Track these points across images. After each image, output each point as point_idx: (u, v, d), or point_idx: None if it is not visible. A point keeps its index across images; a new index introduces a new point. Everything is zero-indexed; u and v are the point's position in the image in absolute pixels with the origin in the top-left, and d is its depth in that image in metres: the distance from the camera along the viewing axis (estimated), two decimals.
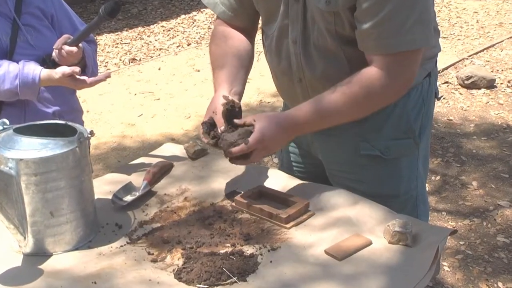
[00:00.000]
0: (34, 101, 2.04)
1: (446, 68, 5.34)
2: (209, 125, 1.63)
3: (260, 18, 1.80)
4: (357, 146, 1.73)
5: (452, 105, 4.69)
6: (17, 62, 1.97)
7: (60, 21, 2.12)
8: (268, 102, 4.88)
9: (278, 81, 1.84)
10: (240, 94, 1.71)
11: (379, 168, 1.75)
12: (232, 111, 1.61)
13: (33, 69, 1.93)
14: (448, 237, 1.49)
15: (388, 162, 1.74)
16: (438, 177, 3.66)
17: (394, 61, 1.52)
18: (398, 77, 1.55)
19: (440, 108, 4.57)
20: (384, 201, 1.62)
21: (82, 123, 2.26)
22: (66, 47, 1.94)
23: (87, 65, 2.06)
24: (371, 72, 1.53)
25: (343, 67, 1.63)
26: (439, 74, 4.79)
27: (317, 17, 1.59)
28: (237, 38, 1.79)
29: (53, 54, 1.99)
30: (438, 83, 1.87)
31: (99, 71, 2.23)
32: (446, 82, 5.07)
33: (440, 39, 1.78)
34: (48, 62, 2.00)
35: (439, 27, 1.74)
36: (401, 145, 1.74)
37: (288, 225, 1.54)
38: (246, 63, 1.77)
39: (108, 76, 1.95)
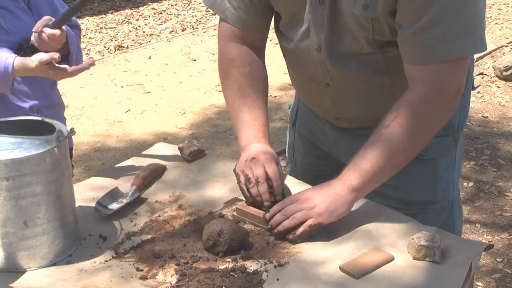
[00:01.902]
0: (7, 94, 2.04)
1: (481, 58, 5.32)
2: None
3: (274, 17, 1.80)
4: None
5: (488, 100, 4.69)
6: None
7: (38, 2, 2.12)
8: (275, 97, 4.89)
9: (300, 82, 1.86)
10: None
11: (414, 170, 1.74)
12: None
13: (5, 57, 1.93)
14: (483, 253, 1.49)
15: (425, 162, 1.75)
16: (471, 184, 3.66)
17: (439, 72, 1.52)
18: (446, 90, 1.55)
19: (473, 104, 4.55)
20: (420, 209, 1.62)
21: (63, 119, 2.27)
22: (48, 30, 1.93)
23: (70, 52, 2.06)
24: (415, 93, 1.54)
25: (380, 68, 1.65)
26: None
27: (350, 23, 1.59)
28: (260, 70, 1.82)
29: (32, 38, 1.98)
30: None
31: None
32: (481, 74, 5.06)
33: None
34: (25, 48, 1.99)
35: None
36: (440, 143, 1.75)
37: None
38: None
39: (92, 64, 1.95)
